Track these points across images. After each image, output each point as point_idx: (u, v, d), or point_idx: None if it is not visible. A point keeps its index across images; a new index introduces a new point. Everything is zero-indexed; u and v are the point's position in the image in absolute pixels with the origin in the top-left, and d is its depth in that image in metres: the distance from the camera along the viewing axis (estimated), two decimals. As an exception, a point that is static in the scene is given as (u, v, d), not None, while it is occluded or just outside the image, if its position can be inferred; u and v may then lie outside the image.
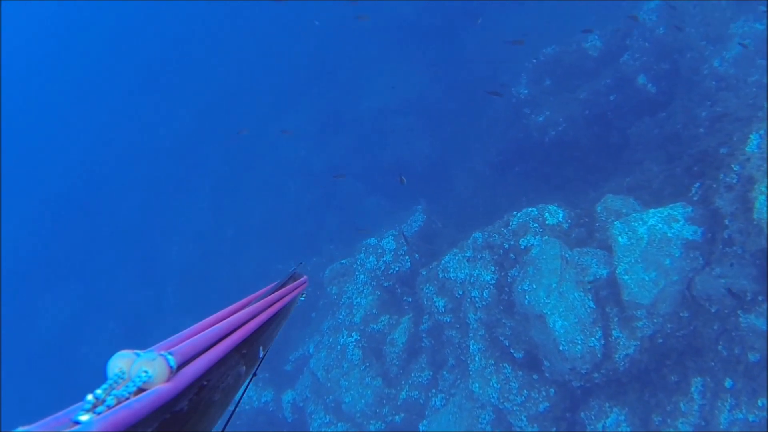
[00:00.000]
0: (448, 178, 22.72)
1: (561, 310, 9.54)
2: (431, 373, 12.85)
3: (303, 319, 17.66)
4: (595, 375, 10.43)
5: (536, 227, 10.26)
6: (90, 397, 0.99)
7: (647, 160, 15.21)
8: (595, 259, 10.03)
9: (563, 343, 9.58)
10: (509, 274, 10.54)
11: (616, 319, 10.04)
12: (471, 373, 11.28)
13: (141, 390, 1.06)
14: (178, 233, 26.74)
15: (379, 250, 13.31)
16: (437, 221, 16.58)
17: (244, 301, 1.70)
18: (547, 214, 10.36)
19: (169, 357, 1.12)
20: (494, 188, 20.21)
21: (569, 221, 10.56)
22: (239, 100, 28.97)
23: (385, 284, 13.20)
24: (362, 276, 13.37)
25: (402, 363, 12.93)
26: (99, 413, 0.95)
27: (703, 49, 15.68)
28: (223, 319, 1.47)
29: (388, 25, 27.77)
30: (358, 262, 13.55)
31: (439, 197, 20.24)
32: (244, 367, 1.47)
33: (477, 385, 11.17)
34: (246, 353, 1.49)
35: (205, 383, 1.23)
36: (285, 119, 27.26)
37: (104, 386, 1.03)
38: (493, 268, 10.80)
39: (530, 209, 10.49)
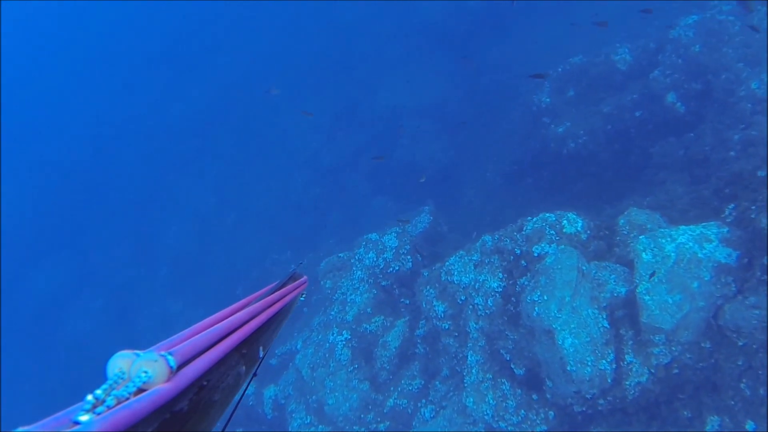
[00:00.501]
0: (458, 185, 21.85)
1: (572, 326, 8.57)
2: (423, 382, 11.88)
3: (294, 313, 16.73)
4: (601, 401, 9.45)
5: (552, 234, 9.31)
6: (90, 397, 0.96)
7: (670, 180, 14.27)
8: (614, 275, 9.06)
9: (572, 363, 8.60)
10: (518, 282, 9.58)
11: (630, 342, 9.06)
12: (466, 386, 10.30)
13: (141, 390, 1.04)
14: (178, 213, 25.88)
15: (380, 246, 12.36)
16: (444, 224, 15.65)
17: (244, 301, 1.68)
18: (565, 221, 9.40)
19: (169, 357, 1.10)
20: (504, 199, 19.39)
21: (588, 232, 9.61)
22: (255, 85, 28.17)
23: (383, 283, 12.25)
24: (359, 272, 12.43)
25: (393, 368, 11.97)
26: (99, 413, 0.93)
27: (740, 71, 14.73)
28: (223, 319, 1.44)
29: (415, 27, 27.06)
30: (356, 257, 12.60)
31: (448, 203, 19.35)
32: (244, 367, 1.44)
33: (471, 400, 10.18)
34: (246, 353, 1.47)
35: (205, 383, 1.21)
36: (299, 108, 26.43)
37: (104, 386, 1.00)
38: (501, 274, 9.84)
39: (548, 215, 9.54)
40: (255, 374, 1.60)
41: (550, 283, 8.74)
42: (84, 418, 0.92)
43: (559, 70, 18.22)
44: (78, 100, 31.28)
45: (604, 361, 8.74)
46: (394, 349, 11.82)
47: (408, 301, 12.12)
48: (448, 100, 25.32)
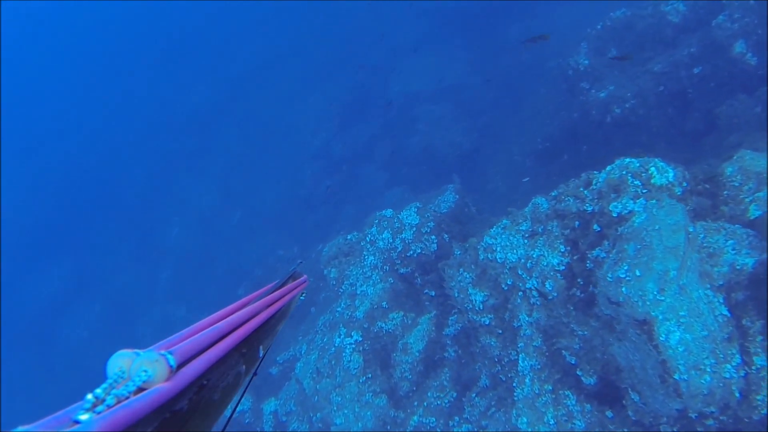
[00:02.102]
0: (482, 170, 18.91)
1: (682, 314, 5.56)
2: (455, 395, 8.89)
3: (299, 313, 13.85)
4: (711, 422, 6.36)
5: (638, 186, 6.30)
6: (90, 396, 0.93)
7: (746, 143, 11.11)
8: (731, 240, 6.04)
9: (682, 368, 5.57)
10: (589, 256, 6.57)
11: (759, 338, 6.00)
12: (517, 400, 7.29)
13: (141, 389, 1.00)
14: (181, 214, 23.25)
15: (396, 225, 9.41)
16: (471, 205, 12.66)
17: (243, 300, 1.60)
18: (653, 169, 6.38)
19: (169, 356, 1.06)
20: (535, 181, 16.55)
21: (684, 184, 6.58)
22: (263, 78, 25.66)
23: (402, 270, 9.31)
24: (371, 257, 9.49)
25: (416, 377, 9.00)
26: (99, 412, 0.90)
27: (831, 7, 11.65)
28: (223, 318, 1.39)
29: (428, 9, 24.37)
30: (367, 239, 9.66)
31: (472, 190, 16.47)
32: (243, 367, 1.39)
33: (524, 420, 7.16)
34: (246, 353, 1.42)
35: (205, 382, 1.17)
36: (309, 99, 23.83)
37: (104, 385, 0.97)
38: (562, 246, 6.86)
39: (628, 160, 6.53)
40: (255, 374, 1.52)
41: (645, 252, 5.73)
42: (84, 417, 0.88)
43: (599, 27, 15.24)
44: (78, 99, 28.97)
45: (728, 366, 5.69)
46: (417, 353, 8.85)
47: (434, 293, 9.15)
48: (467, 83, 22.61)
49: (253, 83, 25.63)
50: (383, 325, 8.99)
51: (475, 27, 22.85)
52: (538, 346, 7.17)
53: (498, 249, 7.43)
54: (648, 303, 5.66)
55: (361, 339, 8.95)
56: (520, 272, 7.21)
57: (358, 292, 9.34)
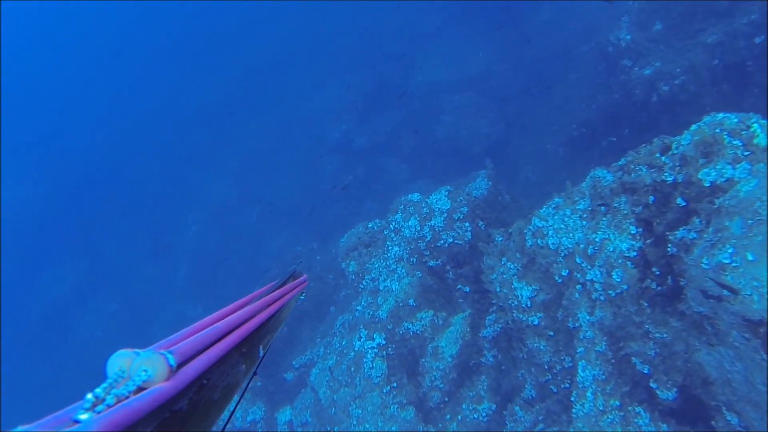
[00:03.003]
0: (511, 161, 17.43)
1: (812, 310, 4.02)
2: (494, 407, 7.43)
3: (318, 312, 12.52)
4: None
5: (738, 148, 4.79)
6: (90, 395, 0.91)
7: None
8: None
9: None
10: (670, 237, 5.07)
11: None
12: (575, 418, 5.81)
13: (141, 389, 0.97)
14: (197, 210, 22.13)
15: (424, 210, 7.99)
16: (506, 194, 11.17)
17: (243, 299, 1.57)
18: (756, 126, 4.86)
19: (169, 356, 1.03)
20: (570, 172, 15.09)
21: (793, 147, 5.02)
22: (281, 69, 24.48)
23: (431, 263, 7.88)
24: (396, 248, 8.08)
25: (448, 386, 7.57)
26: (99, 412, 0.88)
27: None
28: (223, 317, 1.38)
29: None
30: (391, 227, 8.26)
31: (502, 181, 15.02)
32: (244, 366, 1.38)
33: (585, 442, 5.67)
34: (246, 352, 1.40)
35: (205, 382, 1.15)
36: (328, 90, 22.57)
37: (104, 385, 0.95)
38: (633, 228, 5.38)
39: (722, 115, 5.02)
40: (255, 373, 1.49)
41: (758, 230, 4.22)
42: (84, 416, 0.86)
43: (641, -2, 13.66)
44: (89, 92, 28.11)
45: None
46: (449, 359, 7.42)
47: (468, 288, 7.72)
48: (493, 71, 21.16)
49: (270, 75, 24.49)
50: (410, 326, 7.58)
51: (501, 12, 21.40)
52: (602, 351, 5.69)
53: (550, 233, 5.98)
54: (762, 296, 4.16)
55: (384, 342, 7.56)
56: (578, 260, 5.74)
57: (381, 288, 7.95)
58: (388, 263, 8.02)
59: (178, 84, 25.54)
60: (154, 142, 24.00)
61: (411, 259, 7.86)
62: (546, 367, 6.52)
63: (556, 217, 6.00)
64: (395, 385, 7.58)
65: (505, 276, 6.52)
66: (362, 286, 8.35)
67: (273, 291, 1.72)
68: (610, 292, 5.47)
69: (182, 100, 24.93)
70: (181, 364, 1.06)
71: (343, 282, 12.79)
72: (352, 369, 7.69)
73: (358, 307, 8.22)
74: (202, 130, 23.41)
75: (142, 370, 0.98)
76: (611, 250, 5.45)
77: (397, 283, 7.75)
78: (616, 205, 5.50)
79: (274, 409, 10.86)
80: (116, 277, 21.03)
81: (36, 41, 33.29)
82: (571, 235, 5.81)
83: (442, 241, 7.83)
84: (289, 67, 24.17)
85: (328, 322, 11.47)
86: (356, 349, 7.80)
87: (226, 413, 1.24)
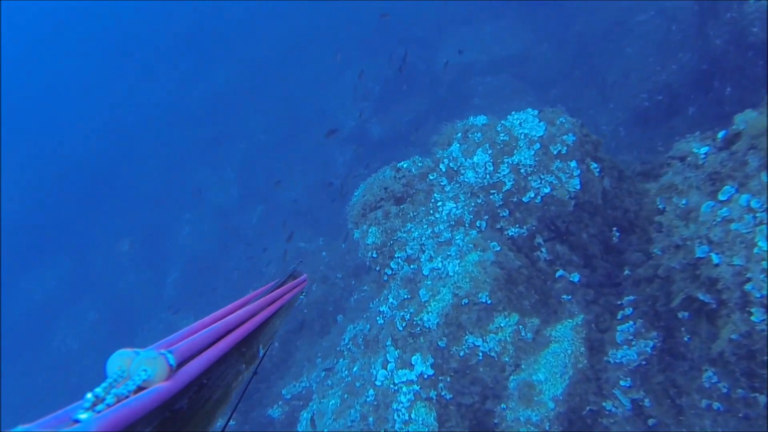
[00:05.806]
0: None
1: None
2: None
3: (322, 322, 8.80)
4: None
5: None
6: (90, 395, 0.87)
7: None
8: None
9: None
10: None
11: None
12: None
13: (141, 388, 0.93)
14: (193, 210, 18.66)
15: (501, 138, 4.26)
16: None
17: (243, 299, 1.50)
18: None
19: (169, 355, 0.99)
20: (638, 148, 11.83)
21: None
22: (292, 57, 21.27)
23: (511, 231, 4.17)
24: (451, 203, 4.34)
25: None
26: (99, 411, 0.84)
27: None
28: (223, 317, 1.31)
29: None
30: (441, 167, 4.44)
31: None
32: (243, 366, 1.31)
33: None
34: (245, 352, 1.34)
35: (205, 381, 1.10)
36: (343, 78, 19.26)
37: (104, 384, 0.90)
38: None
39: None
40: (255, 373, 1.43)
41: None
42: (84, 416, 0.82)
43: None
44: (89, 92, 24.99)
45: None
46: (551, 404, 3.66)
47: (578, 276, 4.00)
48: (531, 53, 17.82)
49: (280, 64, 21.29)
50: (478, 341, 3.86)
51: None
52: None
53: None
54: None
55: (432, 372, 3.83)
56: None
57: (426, 273, 4.26)
58: (436, 229, 4.33)
59: (181, 79, 22.43)
60: (155, 139, 20.78)
61: (478, 223, 4.20)
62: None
63: None
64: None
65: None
66: (390, 271, 4.67)
67: (272, 290, 1.63)
68: None
69: (185, 96, 21.76)
70: (181, 364, 1.02)
71: (356, 282, 9.10)
72: (371, 421, 3.96)
73: (383, 308, 4.56)
74: (205, 124, 20.13)
75: (142, 369, 0.94)
76: None
77: (457, 263, 4.07)
78: None
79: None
80: (99, 283, 17.54)
81: (36, 40, 30.60)
82: None
83: (532, 193, 4.15)
84: (302, 56, 21.01)
85: (334, 335, 7.74)
86: (378, 383, 4.07)
87: (226, 412, 1.14)
